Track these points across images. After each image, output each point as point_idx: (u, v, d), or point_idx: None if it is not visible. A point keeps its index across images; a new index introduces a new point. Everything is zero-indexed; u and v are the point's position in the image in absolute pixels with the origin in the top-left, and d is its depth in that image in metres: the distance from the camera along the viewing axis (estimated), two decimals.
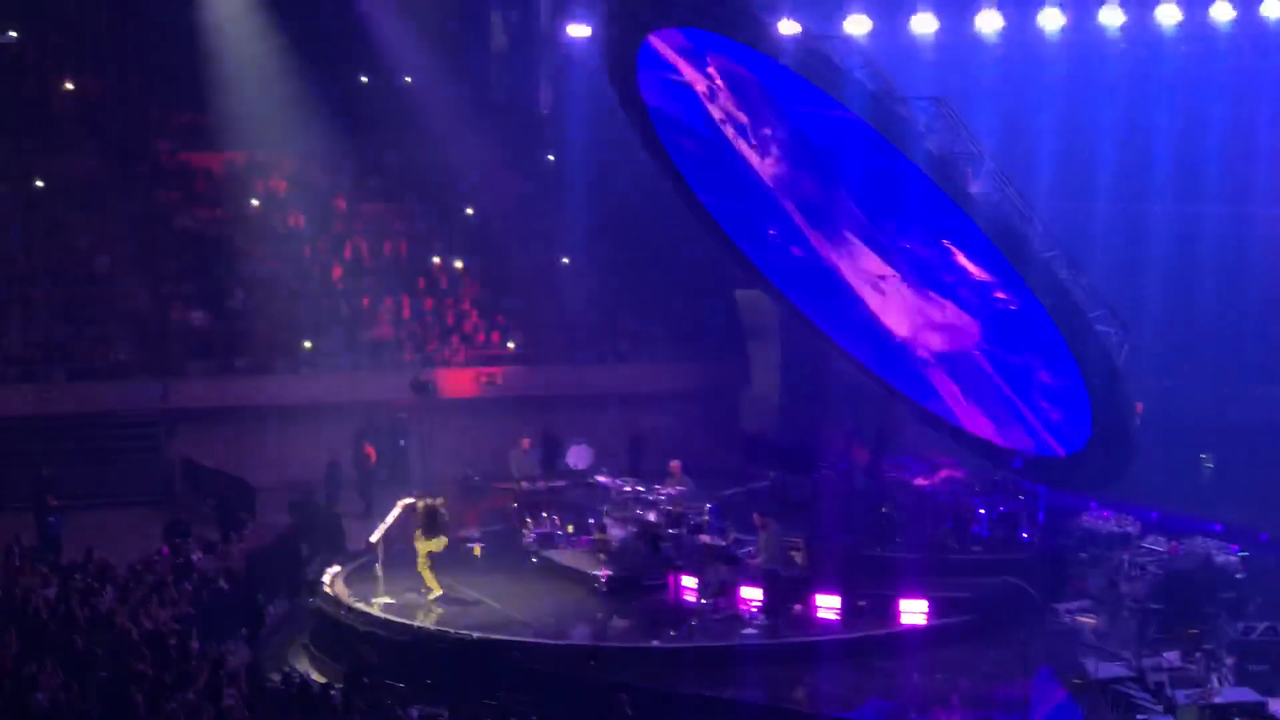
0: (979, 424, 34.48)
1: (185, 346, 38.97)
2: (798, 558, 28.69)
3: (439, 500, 28.35)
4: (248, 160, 42.37)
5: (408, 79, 43.16)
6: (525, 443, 32.82)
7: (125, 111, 42.42)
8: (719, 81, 31.26)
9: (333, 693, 21.20)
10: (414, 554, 28.07)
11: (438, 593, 27.77)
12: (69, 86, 42.03)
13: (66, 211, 40.15)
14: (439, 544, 28.02)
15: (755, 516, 28.25)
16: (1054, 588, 28.34)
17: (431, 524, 27.91)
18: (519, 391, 39.92)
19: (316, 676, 24.82)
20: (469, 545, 30.54)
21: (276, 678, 22.75)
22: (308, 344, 39.19)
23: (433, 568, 27.91)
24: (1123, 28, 33.00)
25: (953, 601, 27.36)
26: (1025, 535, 30.96)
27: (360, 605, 27.51)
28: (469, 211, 43.79)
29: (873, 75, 27.39)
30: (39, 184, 40.30)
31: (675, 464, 31.08)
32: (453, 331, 41.15)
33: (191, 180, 42.18)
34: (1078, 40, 33.60)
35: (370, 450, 37.03)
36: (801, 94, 29.32)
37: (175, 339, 39.10)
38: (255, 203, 41.90)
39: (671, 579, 28.09)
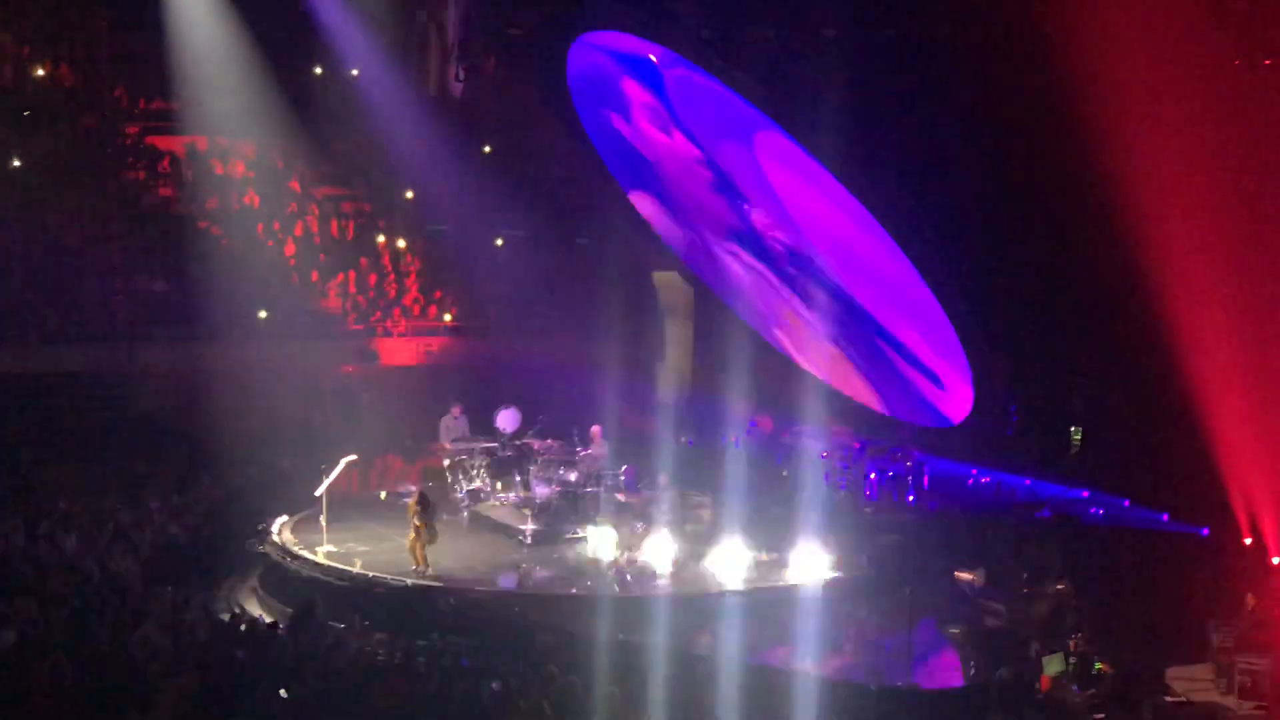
0: (870, 397, 34.67)
1: (149, 313, 38.61)
2: (704, 515, 28.76)
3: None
4: (209, 144, 41.99)
5: (356, 73, 42.83)
6: (456, 410, 32.62)
7: (97, 97, 42.02)
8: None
9: (278, 631, 21.15)
10: (361, 505, 27.89)
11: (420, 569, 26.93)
12: (43, 73, 41.58)
13: (42, 188, 39.73)
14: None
15: (660, 478, 28.34)
16: (939, 546, 28.56)
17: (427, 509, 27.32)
18: (455, 360, 39.87)
19: (264, 616, 24.75)
20: (403, 499, 30.20)
21: (227, 616, 22.69)
22: (262, 313, 38.89)
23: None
24: None
25: (844, 557, 27.47)
26: (912, 498, 31.14)
27: (305, 552, 27.46)
28: (410, 195, 43.55)
29: None
30: (16, 163, 39.86)
31: (596, 429, 31.10)
32: (394, 305, 41.02)
33: (157, 161, 41.78)
34: None
35: (317, 413, 36.86)
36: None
37: (140, 306, 38.75)
38: (215, 183, 41.54)
39: (590, 534, 28.12)
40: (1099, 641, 22.93)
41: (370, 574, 26.37)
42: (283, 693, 18.02)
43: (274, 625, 21.92)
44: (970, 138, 29.76)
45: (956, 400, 31.88)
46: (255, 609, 26.10)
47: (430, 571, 26.61)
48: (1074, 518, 29.78)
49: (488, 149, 43.21)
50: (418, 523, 26.79)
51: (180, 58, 39.62)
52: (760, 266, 34.24)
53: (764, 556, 27.46)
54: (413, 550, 26.83)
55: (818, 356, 34.46)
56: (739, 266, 34.62)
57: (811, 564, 26.87)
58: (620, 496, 29.00)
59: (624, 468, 30.02)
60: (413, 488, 29.03)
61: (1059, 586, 25.53)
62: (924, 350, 31.74)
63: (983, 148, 29.71)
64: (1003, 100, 29.26)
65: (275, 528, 29.11)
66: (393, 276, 41.71)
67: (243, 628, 21.20)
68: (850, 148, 28.64)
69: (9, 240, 39.00)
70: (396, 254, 42.39)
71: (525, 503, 30.01)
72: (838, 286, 32.01)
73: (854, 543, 28.30)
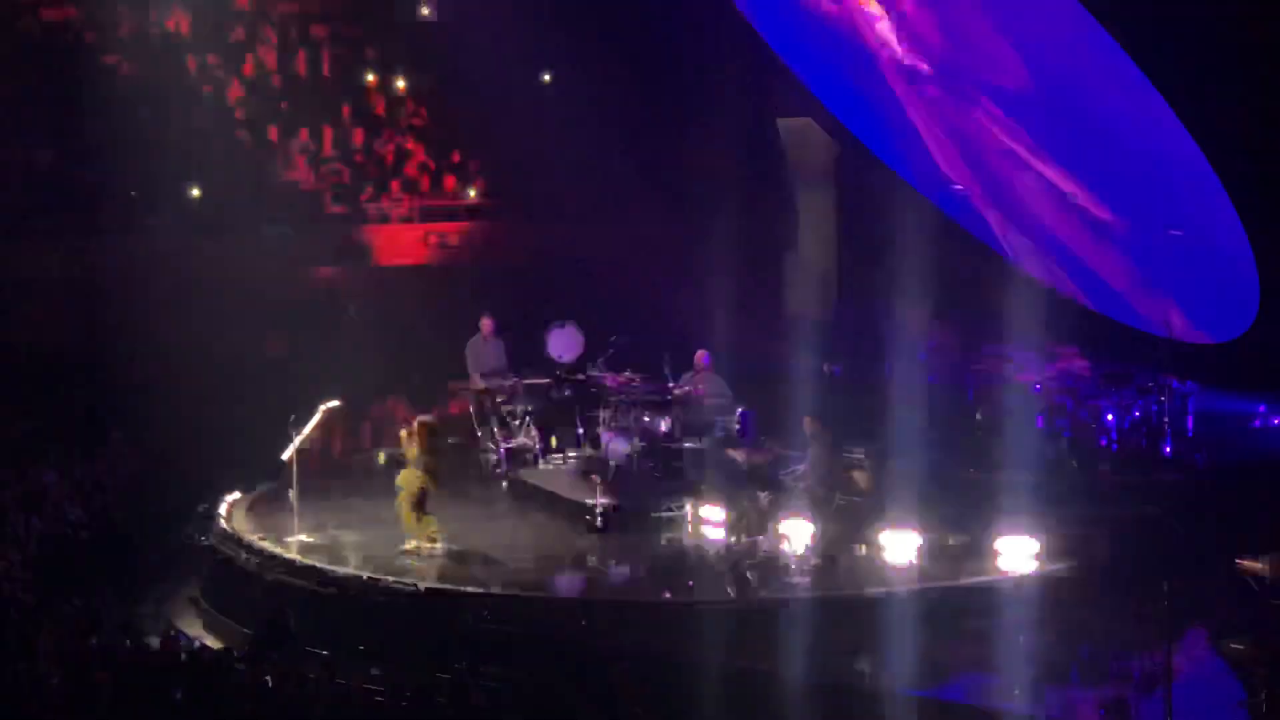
0: (1106, 295, 34.65)
1: (27, 196, 38.83)
2: (860, 480, 28.88)
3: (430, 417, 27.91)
4: None
5: None
6: (488, 324, 32.71)
7: None
8: None
9: (232, 662, 21.42)
10: (348, 474, 28.05)
11: (419, 545, 27.35)
12: None
13: None
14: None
15: (806, 423, 28.35)
16: (1212, 521, 28.55)
17: (434, 449, 27.66)
18: (483, 256, 40.02)
19: (211, 641, 25.07)
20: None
21: (156, 642, 22.99)
22: (195, 191, 39.17)
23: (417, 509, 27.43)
24: None
25: (1071, 539, 27.53)
26: (1170, 450, 31.16)
27: (269, 545, 27.70)
28: (425, 11, 43.68)
29: None
30: None
31: (700, 354, 31.18)
32: (392, 176, 41.22)
33: None
34: None
35: (279, 340, 37.20)
36: None
37: (12, 186, 38.95)
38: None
39: (690, 510, 28.29)
40: None
41: (365, 575, 26.58)
42: None
43: (226, 654, 22.21)
44: None
45: (1237, 300, 31.92)
46: (196, 629, 26.41)
47: (439, 547, 26.92)
48: None
49: None
50: (419, 467, 26.95)
51: None
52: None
53: (950, 541, 27.57)
54: (405, 519, 27.00)
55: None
56: None
57: (1020, 551, 26.94)
58: (735, 454, 29.13)
59: (739, 411, 30.13)
60: None
61: None
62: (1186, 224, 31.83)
63: None
64: None
65: (223, 510, 29.39)
66: (389, 134, 41.89)
67: (180, 658, 21.48)
68: None
69: None
70: (395, 100, 42.55)
71: (594, 466, 30.22)
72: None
73: (1084, 517, 28.34)
